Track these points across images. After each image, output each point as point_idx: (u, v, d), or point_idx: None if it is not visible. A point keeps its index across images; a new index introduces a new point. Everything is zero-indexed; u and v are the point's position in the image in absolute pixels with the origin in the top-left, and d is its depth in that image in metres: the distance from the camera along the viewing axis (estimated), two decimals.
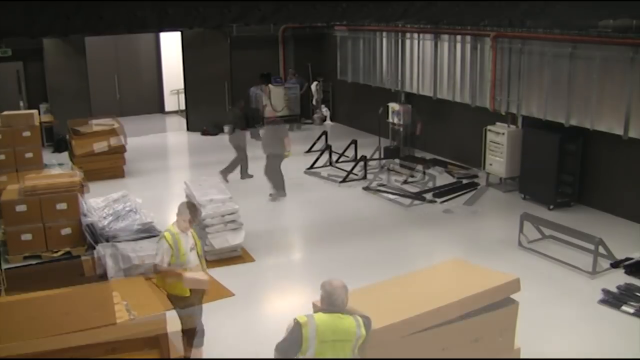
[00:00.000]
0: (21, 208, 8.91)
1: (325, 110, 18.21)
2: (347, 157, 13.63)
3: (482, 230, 10.10)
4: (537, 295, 7.61)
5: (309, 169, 13.32)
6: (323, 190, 12.23)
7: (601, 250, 8.34)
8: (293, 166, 12.61)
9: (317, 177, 13.03)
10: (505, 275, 4.90)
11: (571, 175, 10.63)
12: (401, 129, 13.74)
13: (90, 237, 8.95)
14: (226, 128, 14.90)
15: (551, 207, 10.59)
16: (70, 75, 15.83)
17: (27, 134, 12.08)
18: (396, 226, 10.38)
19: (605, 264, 8.41)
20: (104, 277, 8.03)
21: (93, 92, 16.48)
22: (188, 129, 17.16)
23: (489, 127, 11.71)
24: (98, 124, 13.76)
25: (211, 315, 7.37)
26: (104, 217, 9.32)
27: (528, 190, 11.11)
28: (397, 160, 13.61)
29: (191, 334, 6.14)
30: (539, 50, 10.70)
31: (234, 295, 7.88)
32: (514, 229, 9.38)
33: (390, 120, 13.96)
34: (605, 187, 10.42)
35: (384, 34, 14.98)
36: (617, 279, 8.13)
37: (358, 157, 13.67)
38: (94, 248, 8.72)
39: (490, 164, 11.70)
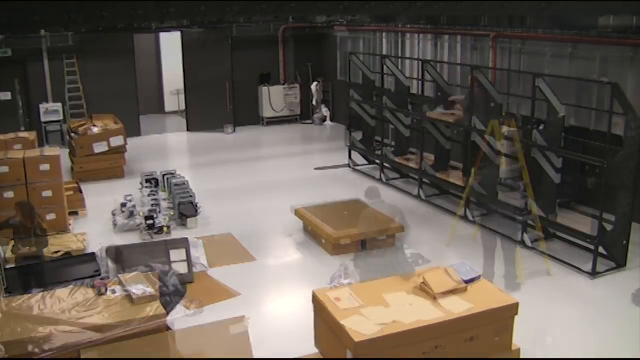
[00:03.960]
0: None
1: (325, 111, 18.19)
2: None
3: (483, 230, 10.07)
4: (537, 295, 7.62)
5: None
6: (328, 188, 12.24)
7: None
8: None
9: (325, 177, 13.09)
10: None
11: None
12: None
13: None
14: (229, 128, 14.96)
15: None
16: (71, 76, 15.82)
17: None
18: None
19: (605, 264, 8.41)
20: (105, 278, 8.01)
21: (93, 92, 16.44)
22: (188, 129, 17.17)
23: None
24: (97, 124, 13.73)
25: (215, 315, 7.38)
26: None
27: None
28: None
29: None
30: (539, 50, 10.70)
31: (238, 295, 7.88)
32: (515, 228, 9.39)
33: None
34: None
35: (384, 34, 14.98)
36: (617, 278, 8.14)
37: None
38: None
39: None
